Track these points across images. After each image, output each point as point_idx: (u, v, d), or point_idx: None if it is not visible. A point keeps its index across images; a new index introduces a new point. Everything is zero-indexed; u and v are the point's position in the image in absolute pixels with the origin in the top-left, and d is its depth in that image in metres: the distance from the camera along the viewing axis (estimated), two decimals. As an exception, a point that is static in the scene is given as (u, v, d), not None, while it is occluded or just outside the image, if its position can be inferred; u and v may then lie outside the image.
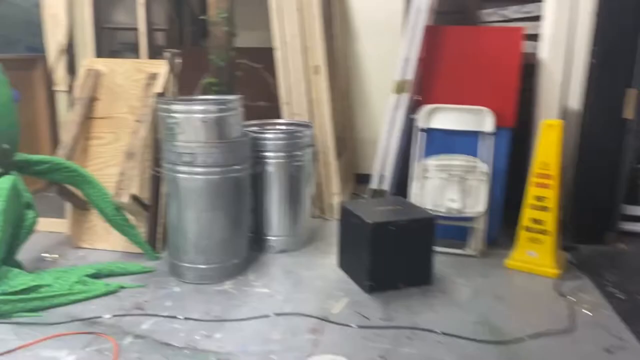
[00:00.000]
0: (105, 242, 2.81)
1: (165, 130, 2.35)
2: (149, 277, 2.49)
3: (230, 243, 2.45)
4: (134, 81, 2.83)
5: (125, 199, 2.49)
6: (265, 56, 3.72)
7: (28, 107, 3.92)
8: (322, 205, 3.30)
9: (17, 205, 2.25)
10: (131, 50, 4.52)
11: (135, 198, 2.59)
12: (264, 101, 3.99)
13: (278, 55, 3.13)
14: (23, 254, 2.41)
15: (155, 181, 2.70)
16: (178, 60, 2.47)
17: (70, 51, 2.92)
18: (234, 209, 2.42)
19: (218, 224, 2.39)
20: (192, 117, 2.29)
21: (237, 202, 2.43)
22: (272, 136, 2.69)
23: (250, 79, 3.28)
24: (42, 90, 3.77)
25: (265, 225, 2.74)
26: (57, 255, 2.73)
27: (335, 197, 3.27)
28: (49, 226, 3.11)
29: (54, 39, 2.92)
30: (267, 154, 2.68)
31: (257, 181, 2.66)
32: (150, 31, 2.91)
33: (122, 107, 2.84)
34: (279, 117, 3.26)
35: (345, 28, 4.07)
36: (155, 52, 3.16)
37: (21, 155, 2.43)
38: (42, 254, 2.74)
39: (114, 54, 4.48)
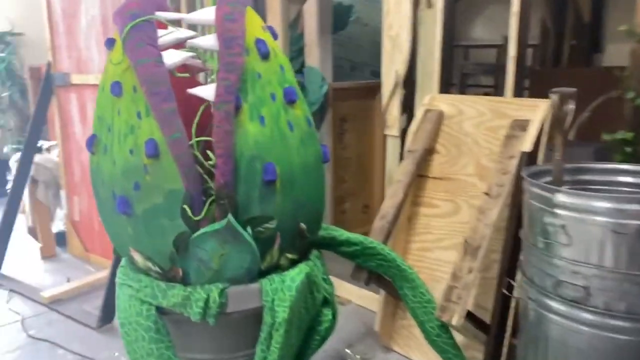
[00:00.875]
0: (423, 354, 2.00)
1: (535, 230, 1.34)
2: None
3: None
4: (489, 130, 1.91)
5: (455, 319, 1.60)
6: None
7: (363, 144, 3.47)
8: None
9: (310, 305, 1.62)
10: (488, 72, 3.64)
11: (470, 317, 1.68)
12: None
13: None
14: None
15: (503, 289, 1.72)
16: (571, 106, 1.42)
17: (408, 85, 2.20)
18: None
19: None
20: (591, 219, 1.21)
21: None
22: None
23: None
24: (381, 127, 3.25)
25: None
26: (358, 357, 2.06)
27: None
28: (360, 299, 2.50)
29: (390, 68, 2.25)
30: None
31: None
32: (523, 51, 1.93)
33: (467, 166, 1.96)
34: None
35: None
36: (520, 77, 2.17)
37: (327, 230, 1.81)
38: (346, 350, 2.11)
39: (465, 77, 3.68)
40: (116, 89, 1.46)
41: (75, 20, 2.90)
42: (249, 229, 1.46)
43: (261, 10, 3.04)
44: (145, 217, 1.46)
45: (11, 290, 2.71)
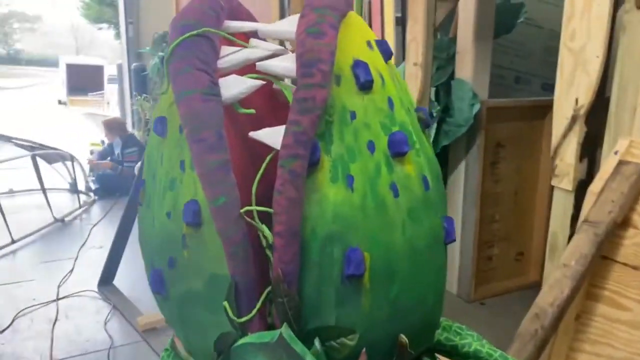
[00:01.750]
0: None
1: None
2: None
3: None
4: None
5: None
6: None
7: (523, 176, 2.78)
8: None
9: None
10: None
11: None
12: None
13: None
14: None
15: None
16: None
17: (594, 120, 1.52)
18: None
19: None
20: None
21: None
22: None
23: None
24: (549, 157, 2.54)
25: None
26: None
27: None
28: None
29: (567, 94, 1.58)
30: None
31: None
32: None
33: (684, 259, 1.25)
34: None
35: None
36: None
37: (446, 333, 1.26)
38: None
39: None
40: (159, 127, 1.08)
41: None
42: (317, 342, 0.99)
43: (403, 11, 2.53)
44: (180, 304, 1.07)
45: (114, 307, 2.59)
